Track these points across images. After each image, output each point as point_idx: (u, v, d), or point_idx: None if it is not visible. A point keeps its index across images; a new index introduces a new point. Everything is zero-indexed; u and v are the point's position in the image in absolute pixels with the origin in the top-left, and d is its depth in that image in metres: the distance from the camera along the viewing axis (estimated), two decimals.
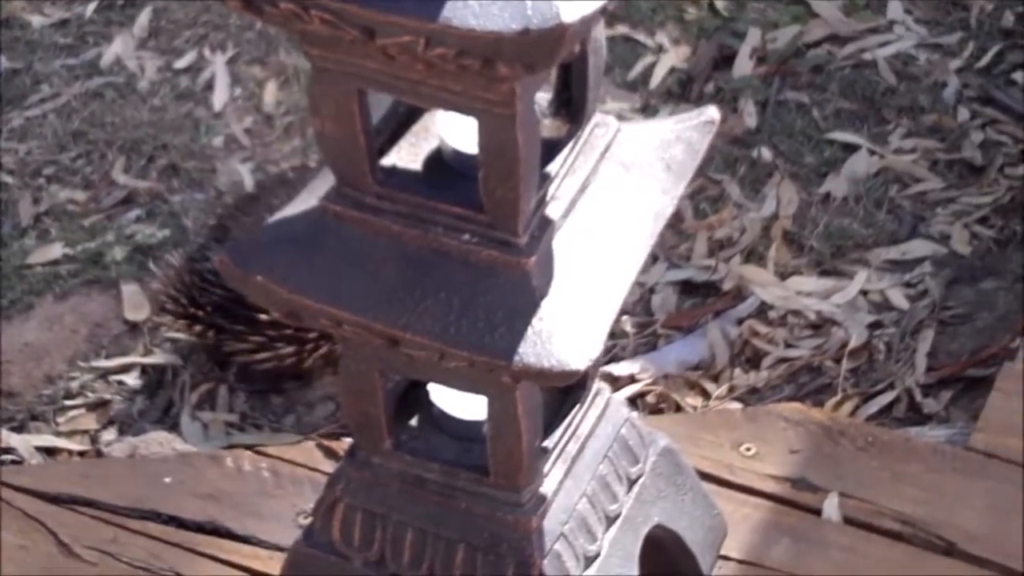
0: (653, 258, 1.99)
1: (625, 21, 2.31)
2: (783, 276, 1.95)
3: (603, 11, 1.00)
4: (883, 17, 2.30)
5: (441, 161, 1.19)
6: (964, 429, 1.65)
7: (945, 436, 1.65)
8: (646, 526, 1.40)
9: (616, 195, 1.20)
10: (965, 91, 2.18)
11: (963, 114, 2.15)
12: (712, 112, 1.25)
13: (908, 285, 1.92)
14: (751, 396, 1.80)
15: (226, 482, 1.62)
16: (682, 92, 2.23)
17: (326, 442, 1.65)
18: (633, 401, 1.80)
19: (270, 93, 2.26)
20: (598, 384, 1.37)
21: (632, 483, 1.39)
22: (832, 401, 1.75)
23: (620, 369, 1.82)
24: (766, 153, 2.11)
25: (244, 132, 2.21)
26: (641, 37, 2.30)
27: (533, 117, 1.08)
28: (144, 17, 2.37)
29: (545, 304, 1.13)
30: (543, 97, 1.21)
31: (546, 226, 1.15)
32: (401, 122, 1.21)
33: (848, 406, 1.75)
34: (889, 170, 2.08)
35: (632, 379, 1.81)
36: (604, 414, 1.37)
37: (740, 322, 1.89)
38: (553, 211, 1.16)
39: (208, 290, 1.78)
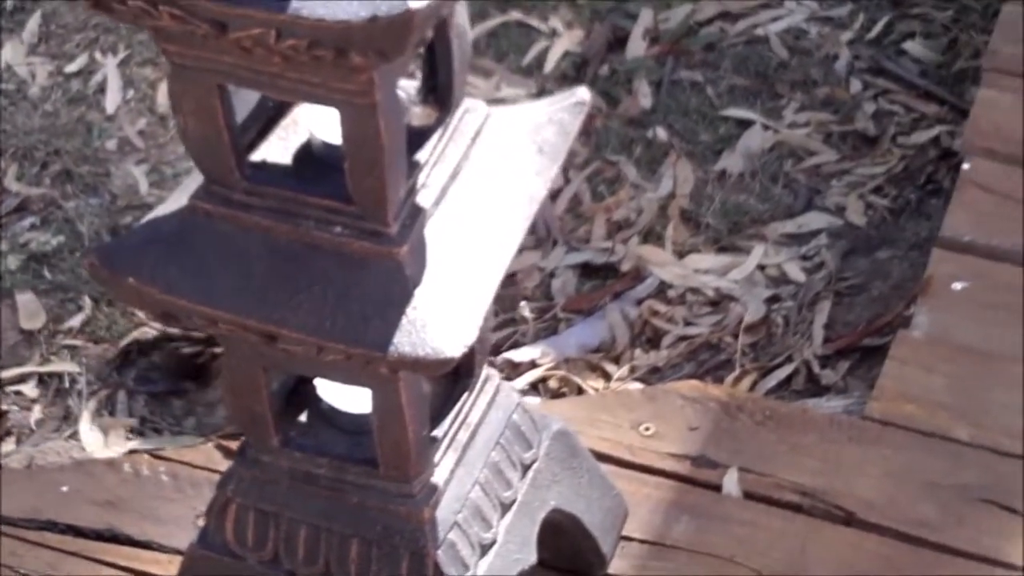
0: (552, 242, 1.99)
1: (518, 6, 2.31)
2: (681, 255, 1.95)
3: None
4: None
5: (311, 154, 1.18)
6: (861, 398, 1.66)
7: (842, 406, 1.66)
8: (543, 511, 1.40)
9: (488, 180, 1.20)
10: (856, 63, 2.19)
11: (855, 86, 2.16)
12: (582, 93, 1.25)
13: (805, 258, 1.93)
14: (652, 376, 1.80)
15: (124, 488, 1.60)
16: (577, 75, 2.22)
17: (225, 442, 1.63)
18: (535, 386, 1.80)
19: (163, 94, 2.23)
20: (487, 371, 1.36)
21: (526, 468, 1.38)
22: (731, 377, 1.75)
23: (521, 355, 1.82)
24: (661, 133, 2.11)
25: (138, 134, 2.19)
26: (534, 22, 2.29)
27: (395, 105, 1.07)
28: (33, 23, 2.35)
29: (419, 293, 1.12)
30: (411, 85, 1.20)
31: (417, 214, 1.14)
32: (271, 116, 1.20)
33: (747, 381, 1.75)
34: (784, 144, 2.09)
35: (533, 364, 1.81)
36: (494, 401, 1.36)
37: (639, 302, 1.89)
38: (424, 199, 1.16)
39: None
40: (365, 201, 1.11)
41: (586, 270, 1.97)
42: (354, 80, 1.03)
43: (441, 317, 1.12)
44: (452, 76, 1.17)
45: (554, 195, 2.06)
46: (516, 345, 1.85)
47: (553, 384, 1.80)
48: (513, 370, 1.81)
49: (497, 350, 1.84)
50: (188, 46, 1.04)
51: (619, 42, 2.26)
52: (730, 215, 2.01)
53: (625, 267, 1.94)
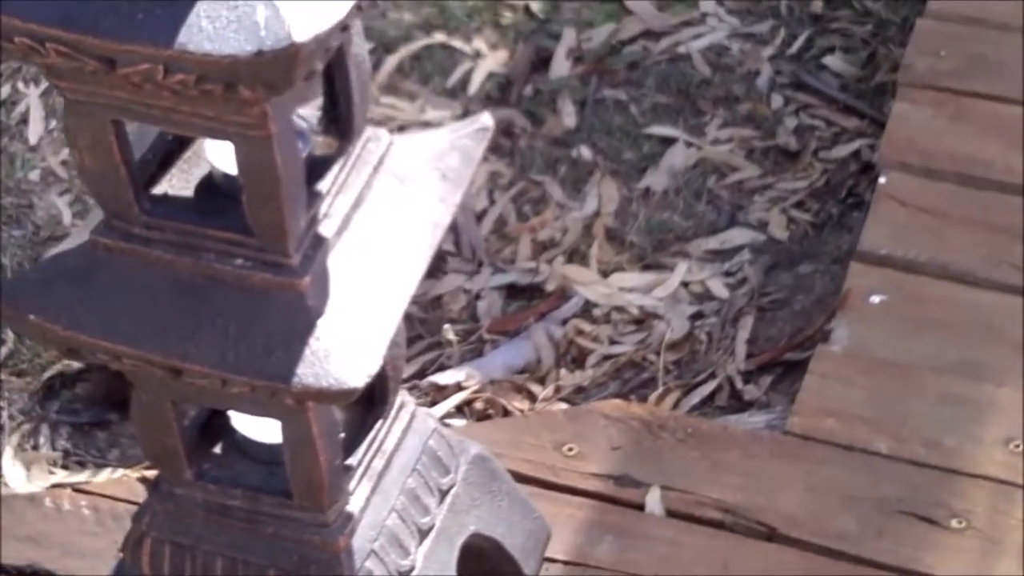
0: (478, 264, 1.99)
1: (441, 29, 2.31)
2: (606, 273, 1.96)
3: (343, 28, 1.00)
4: (696, 10, 2.32)
5: (213, 186, 1.18)
6: (783, 413, 1.66)
7: (764, 421, 1.67)
8: (462, 536, 1.40)
9: (392, 208, 1.20)
10: (778, 78, 2.20)
11: (776, 101, 2.17)
12: (485, 119, 1.25)
13: (728, 274, 1.94)
14: (577, 395, 1.80)
15: (46, 523, 1.59)
16: (501, 96, 2.23)
17: (147, 474, 1.63)
18: (460, 409, 1.80)
19: None
20: (402, 397, 1.37)
21: (444, 494, 1.38)
22: (654, 395, 1.76)
23: (446, 378, 1.82)
24: (586, 152, 2.12)
25: (61, 164, 2.17)
26: (458, 44, 2.30)
27: (290, 137, 1.08)
28: None
29: (321, 323, 1.12)
30: (312, 114, 1.20)
31: (319, 245, 1.15)
32: (173, 148, 1.20)
33: (671, 399, 1.76)
34: (707, 161, 2.10)
35: (459, 387, 1.81)
36: (410, 427, 1.37)
37: (565, 322, 1.89)
38: (326, 229, 1.16)
39: None
40: (265, 233, 1.11)
41: (512, 291, 1.97)
42: (247, 113, 1.03)
43: (344, 347, 1.12)
44: (352, 105, 1.17)
45: (479, 216, 2.06)
46: (442, 368, 1.85)
47: (479, 406, 1.80)
48: (438, 393, 1.81)
49: (422, 374, 1.84)
50: (79, 82, 1.04)
51: (543, 62, 2.27)
52: (654, 233, 2.01)
53: (550, 287, 1.94)
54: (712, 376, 1.78)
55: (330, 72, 1.16)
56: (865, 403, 1.62)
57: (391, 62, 2.26)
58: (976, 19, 1.96)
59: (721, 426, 1.64)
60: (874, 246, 1.76)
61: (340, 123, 1.18)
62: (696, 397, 1.76)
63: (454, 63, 2.28)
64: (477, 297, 1.96)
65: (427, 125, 2.17)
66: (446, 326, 1.87)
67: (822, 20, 2.28)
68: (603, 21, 2.31)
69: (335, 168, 1.18)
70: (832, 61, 2.22)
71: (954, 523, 1.51)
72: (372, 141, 1.21)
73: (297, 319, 1.12)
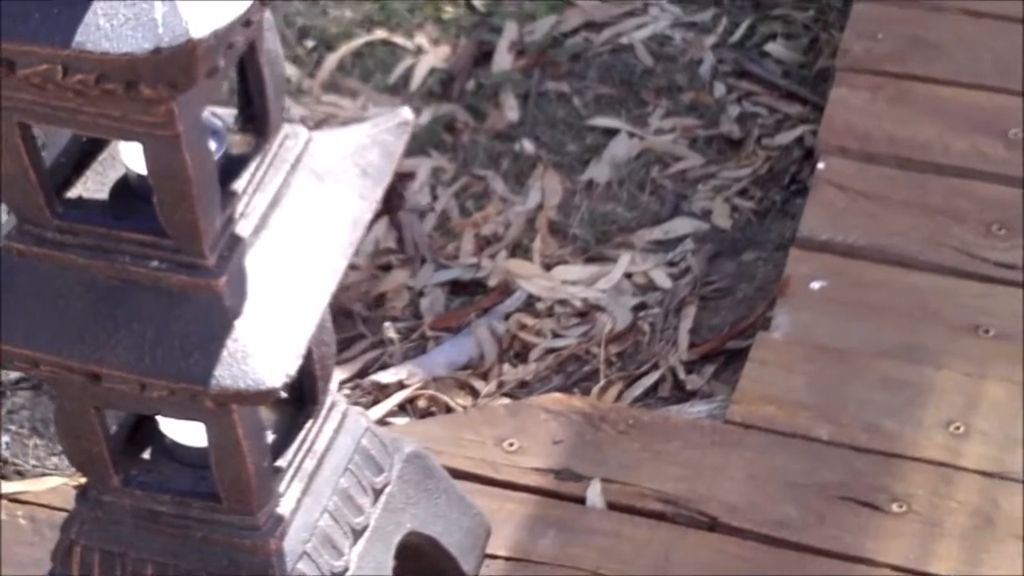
0: (421, 260, 1.98)
1: (383, 25, 2.30)
2: (549, 267, 1.95)
3: (245, 23, 0.99)
4: (638, 0, 2.31)
5: (128, 188, 1.16)
6: (724, 402, 1.66)
7: (706, 411, 1.66)
8: (398, 535, 1.38)
9: (311, 206, 1.18)
10: (720, 66, 2.20)
11: (719, 89, 2.16)
12: (405, 113, 1.24)
13: (671, 264, 1.93)
14: (520, 390, 1.79)
15: None
16: (443, 92, 2.22)
17: (84, 482, 1.61)
18: (403, 407, 1.79)
19: None
20: (333, 397, 1.35)
21: (378, 493, 1.37)
22: (597, 388, 1.75)
23: (388, 376, 1.81)
24: (528, 146, 2.11)
25: None
26: (400, 40, 2.28)
27: (200, 136, 1.06)
28: None
29: (239, 324, 1.11)
30: (229, 113, 1.19)
31: (236, 245, 1.13)
32: (87, 150, 1.18)
33: (613, 391, 1.75)
34: (650, 151, 2.09)
35: (401, 385, 1.80)
36: (342, 426, 1.35)
37: (508, 317, 1.88)
38: (243, 228, 1.14)
39: None
40: (179, 234, 1.10)
41: (455, 287, 1.96)
42: (153, 112, 1.02)
43: (262, 348, 1.10)
44: (267, 102, 1.16)
45: (422, 213, 2.05)
46: (384, 366, 1.84)
47: (421, 404, 1.79)
48: (381, 392, 1.79)
49: (365, 372, 1.83)
50: None
51: (485, 56, 2.26)
52: (597, 225, 2.00)
53: (493, 282, 1.93)
54: (655, 367, 1.77)
55: (243, 69, 1.15)
56: (805, 389, 1.61)
57: (332, 60, 2.25)
58: (912, 1, 1.95)
59: (662, 417, 1.64)
60: (814, 232, 1.75)
61: (256, 120, 1.17)
62: (639, 388, 1.75)
63: (396, 59, 2.27)
64: (420, 294, 1.95)
65: None
66: (387, 324, 1.86)
67: (764, 7, 2.28)
68: (545, 13, 2.30)
69: (252, 166, 1.16)
70: (774, 48, 2.21)
71: (895, 507, 1.51)
72: (290, 138, 1.20)
73: (214, 320, 1.11)
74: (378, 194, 1.21)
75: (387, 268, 1.98)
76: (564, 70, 2.22)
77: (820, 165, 1.81)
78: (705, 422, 1.62)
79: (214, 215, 1.11)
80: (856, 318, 1.67)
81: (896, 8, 1.95)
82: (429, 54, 2.27)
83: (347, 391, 1.81)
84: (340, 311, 1.91)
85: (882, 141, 1.82)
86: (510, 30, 2.28)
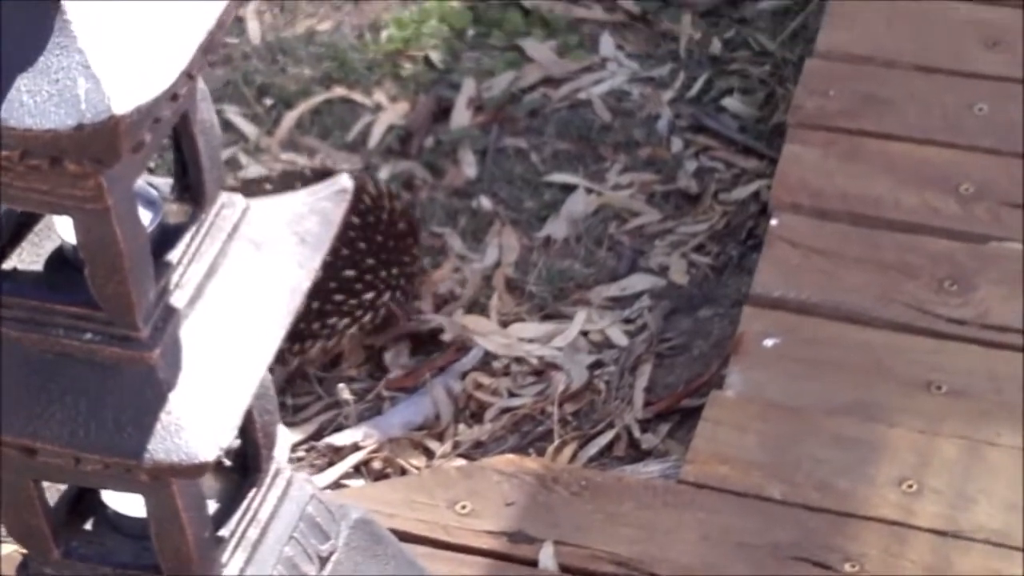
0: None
1: (341, 82, 2.30)
2: (506, 324, 1.94)
3: (173, 97, 0.98)
4: (596, 55, 2.32)
5: (63, 259, 1.15)
6: (678, 461, 1.65)
7: (659, 471, 1.65)
8: None
9: (248, 275, 1.18)
10: (678, 121, 2.20)
11: (676, 144, 2.17)
12: (344, 180, 1.24)
13: (627, 321, 1.93)
14: (476, 450, 1.79)
15: None
16: (402, 149, 2.22)
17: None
18: (358, 469, 1.78)
19: None
20: (277, 464, 1.34)
21: (324, 561, 1.36)
22: (551, 448, 1.74)
23: (343, 438, 1.80)
24: (486, 202, 2.11)
25: None
26: (358, 97, 2.28)
27: (130, 208, 1.06)
28: None
29: (173, 397, 1.10)
30: (165, 182, 1.19)
31: (170, 316, 1.12)
32: (23, 222, 1.18)
33: (568, 451, 1.74)
34: (607, 207, 2.09)
35: (356, 447, 1.79)
36: (287, 494, 1.34)
37: (464, 375, 1.88)
38: (178, 299, 1.14)
39: None
40: (111, 307, 1.09)
41: (413, 345, 1.96)
42: (81, 186, 1.01)
43: (195, 421, 1.09)
44: (202, 172, 1.15)
45: None
46: (339, 428, 1.83)
47: (376, 466, 1.78)
48: (336, 454, 1.79)
49: (319, 434, 1.82)
50: None
51: (444, 113, 2.26)
52: (555, 281, 2.00)
53: (450, 340, 1.93)
54: (610, 426, 1.77)
55: (178, 139, 1.14)
56: (758, 448, 1.60)
57: (291, 117, 2.25)
58: (864, 57, 1.96)
59: (615, 477, 1.63)
60: (767, 289, 1.75)
61: (192, 190, 1.17)
62: (594, 448, 1.75)
63: (354, 116, 2.27)
64: (378, 353, 1.95)
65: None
66: (340, 385, 1.85)
67: (720, 61, 2.29)
68: (503, 69, 2.31)
69: (187, 236, 1.16)
70: (731, 103, 2.22)
71: (847, 567, 1.50)
72: (227, 207, 1.19)
73: (148, 393, 1.10)
74: (316, 262, 1.21)
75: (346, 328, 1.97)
76: (522, 126, 2.23)
77: (773, 222, 1.81)
78: (658, 482, 1.61)
79: (147, 287, 1.10)
80: (809, 375, 1.67)
81: (848, 65, 1.96)
82: (388, 111, 2.27)
83: (301, 453, 1.80)
84: (296, 372, 1.91)
85: (835, 197, 1.82)
86: (468, 86, 2.28)
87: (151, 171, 1.43)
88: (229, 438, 1.10)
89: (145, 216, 1.14)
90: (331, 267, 1.81)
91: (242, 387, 1.14)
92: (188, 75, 1.00)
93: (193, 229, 1.16)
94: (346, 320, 1.85)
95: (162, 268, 1.13)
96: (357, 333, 1.88)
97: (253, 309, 1.17)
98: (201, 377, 1.12)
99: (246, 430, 1.28)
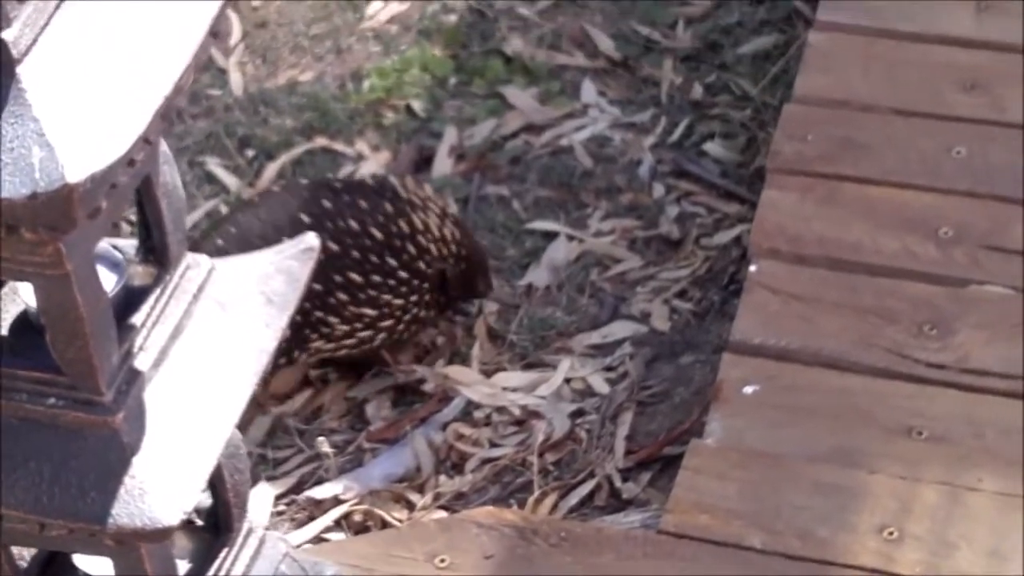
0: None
1: (323, 132, 2.30)
2: (488, 374, 1.94)
3: (128, 163, 0.98)
4: (577, 102, 2.32)
5: (28, 323, 1.15)
6: (659, 511, 1.64)
7: (640, 520, 1.64)
8: None
9: (213, 336, 1.18)
10: (659, 166, 2.20)
11: (658, 190, 2.17)
12: (311, 239, 1.24)
13: (609, 369, 1.92)
14: (457, 502, 1.78)
15: None
16: None
17: None
18: (339, 523, 1.77)
19: None
20: (249, 523, 1.34)
21: None
22: (532, 499, 1.73)
23: (323, 492, 1.79)
24: None
25: None
26: (340, 147, 2.28)
27: (91, 273, 1.06)
28: None
29: (136, 461, 1.10)
30: (130, 244, 1.19)
31: (134, 380, 1.12)
32: None
33: (549, 501, 1.73)
34: (589, 254, 2.09)
35: (337, 500, 1.78)
36: (259, 552, 1.34)
37: (445, 426, 1.87)
38: (142, 362, 1.13)
39: None
40: (74, 371, 1.09)
41: (396, 396, 1.95)
42: (41, 252, 1.01)
43: (159, 485, 1.09)
44: (165, 234, 1.15)
45: None
46: (320, 481, 1.82)
47: (357, 519, 1.77)
48: (316, 508, 1.78)
49: (300, 488, 1.81)
50: None
51: (425, 161, 2.26)
52: (537, 330, 2.00)
53: (432, 390, 1.92)
54: (591, 475, 1.76)
55: (141, 201, 1.14)
56: (739, 497, 1.60)
57: (272, 168, 2.25)
58: (841, 102, 1.96)
59: (595, 528, 1.62)
60: (746, 336, 1.74)
61: (156, 252, 1.17)
62: (575, 498, 1.74)
63: (336, 167, 2.27)
64: (363, 402, 1.94)
65: None
66: (320, 438, 1.85)
67: (702, 106, 2.29)
68: (485, 117, 2.31)
69: (152, 298, 1.16)
70: (712, 147, 2.22)
71: None
72: (192, 268, 1.19)
73: (111, 457, 1.10)
74: (283, 322, 1.21)
75: (325, 380, 1.97)
76: (504, 173, 2.23)
77: (752, 268, 1.81)
78: (638, 532, 1.60)
79: (110, 351, 1.10)
80: (789, 422, 1.66)
81: (826, 109, 1.96)
82: (369, 160, 2.27)
83: (282, 507, 1.79)
84: (276, 425, 1.90)
85: (813, 242, 1.82)
86: (450, 134, 2.28)
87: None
88: (194, 502, 1.10)
89: (109, 278, 1.14)
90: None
91: (208, 449, 1.13)
92: (145, 140, 1.00)
93: (158, 291, 1.16)
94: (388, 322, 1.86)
95: (126, 331, 1.13)
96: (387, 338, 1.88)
97: (219, 370, 1.17)
98: (165, 440, 1.12)
99: (217, 489, 1.28)
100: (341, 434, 1.89)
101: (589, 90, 2.34)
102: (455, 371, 1.94)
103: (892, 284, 1.77)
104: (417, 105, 2.33)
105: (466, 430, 1.86)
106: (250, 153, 2.27)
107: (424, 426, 1.87)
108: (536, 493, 1.73)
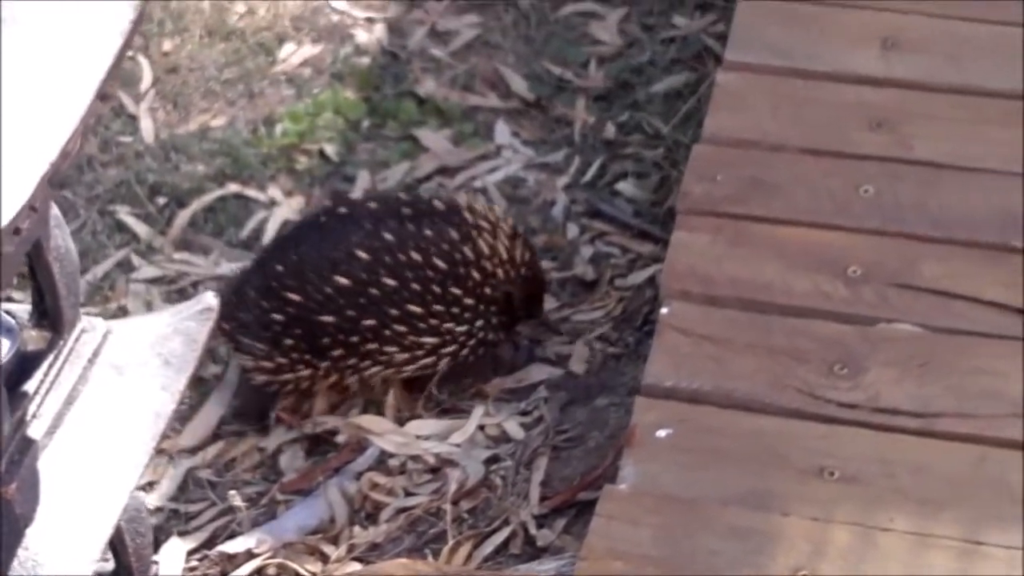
0: (273, 421, 1.95)
1: (235, 178, 2.28)
2: (402, 422, 1.92)
3: (13, 231, 0.97)
4: (491, 142, 2.32)
5: None
6: (573, 558, 1.63)
7: (555, 568, 1.64)
8: None
9: (110, 401, 1.16)
10: (573, 207, 2.20)
11: (572, 230, 2.17)
12: (208, 299, 1.22)
13: (524, 413, 1.91)
14: (372, 553, 1.76)
15: None
16: None
17: None
18: None
19: None
20: None
21: None
22: (446, 548, 1.72)
23: (236, 546, 1.77)
24: None
25: None
26: (252, 193, 2.27)
27: None
28: None
29: (31, 532, 1.08)
30: (23, 309, 1.17)
31: (27, 448, 1.10)
32: None
33: (464, 551, 1.72)
34: None
35: (250, 554, 1.76)
36: None
37: (359, 476, 1.85)
38: (35, 430, 1.12)
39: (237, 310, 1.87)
40: None
41: (311, 446, 1.93)
42: None
43: (54, 556, 1.07)
44: (58, 299, 1.14)
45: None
46: (233, 535, 1.80)
47: (271, 572, 1.75)
48: (229, 563, 1.76)
49: (212, 542, 1.79)
50: None
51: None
52: (451, 376, 1.99)
53: (346, 439, 1.91)
54: (506, 523, 1.75)
55: (33, 266, 1.13)
56: (652, 543, 1.59)
57: (184, 216, 2.23)
58: (750, 141, 1.97)
59: None
60: (659, 379, 1.74)
61: (49, 316, 1.15)
62: (490, 546, 1.73)
63: (248, 213, 2.25)
64: (277, 453, 1.92)
65: (221, 279, 2.13)
66: (231, 492, 1.82)
67: (615, 145, 2.29)
68: (398, 160, 2.30)
69: (45, 364, 1.14)
70: (625, 187, 2.23)
71: None
72: (87, 331, 1.18)
73: (4, 528, 1.08)
74: (181, 384, 1.19)
75: (239, 432, 1.95)
76: None
77: (664, 310, 1.81)
78: None
79: (2, 420, 1.08)
80: (703, 466, 1.66)
81: (735, 149, 1.96)
82: (283, 206, 2.26)
83: (194, 563, 1.77)
84: (188, 478, 1.88)
85: (724, 283, 1.82)
86: (363, 178, 2.27)
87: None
88: (90, 572, 1.08)
89: (2, 345, 1.12)
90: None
91: (105, 516, 1.12)
92: (31, 208, 0.98)
93: (52, 356, 1.15)
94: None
95: (18, 399, 1.11)
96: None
97: (115, 435, 1.15)
98: (61, 510, 1.10)
99: (118, 553, 1.26)
100: (254, 486, 1.87)
101: (503, 131, 2.33)
102: (368, 420, 1.93)
103: (803, 324, 1.78)
104: (330, 149, 2.32)
105: (380, 479, 1.84)
106: (161, 200, 2.25)
107: (338, 476, 1.85)
108: (451, 542, 1.72)
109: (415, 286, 1.83)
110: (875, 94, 2.02)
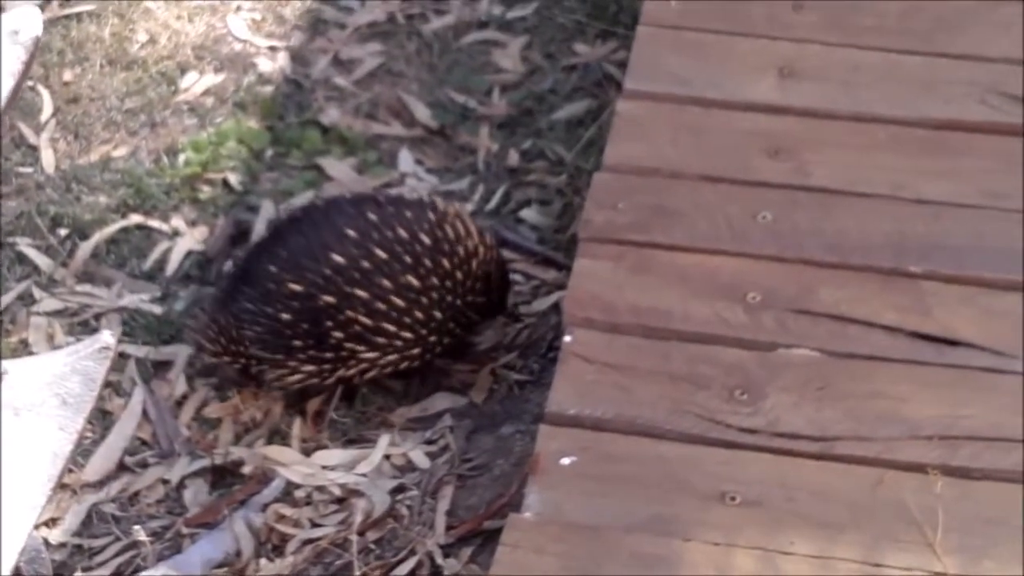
0: (176, 454, 1.94)
1: (138, 209, 2.27)
2: (308, 452, 1.92)
3: None
4: (396, 170, 2.33)
5: None
6: None
7: None
8: None
9: (6, 442, 1.15)
10: None
11: None
12: (106, 338, 1.22)
13: (430, 442, 1.92)
14: None
15: None
16: (201, 274, 2.19)
17: None
18: None
19: None
20: None
21: None
22: None
23: None
24: None
25: None
26: (155, 223, 2.25)
27: None
28: None
29: None
30: None
31: None
32: None
33: None
34: None
35: None
36: None
37: (265, 507, 1.85)
38: None
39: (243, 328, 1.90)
40: None
41: (215, 477, 1.92)
42: None
43: None
44: None
45: (179, 402, 2.01)
46: (137, 570, 1.79)
47: None
48: None
49: None
50: None
51: (243, 236, 2.24)
52: (357, 406, 1.99)
53: (251, 471, 1.90)
54: (412, 553, 1.75)
55: None
56: (558, 571, 1.59)
57: (86, 248, 2.21)
58: (651, 169, 1.98)
59: None
60: (562, 406, 1.75)
61: None
62: None
63: (151, 244, 2.24)
64: (180, 487, 1.91)
65: (124, 311, 2.12)
66: (135, 527, 1.81)
67: (519, 172, 2.31)
68: (302, 188, 2.30)
69: None
70: (529, 214, 2.24)
71: None
72: None
73: None
74: (79, 423, 1.19)
75: (144, 465, 1.94)
76: None
77: (567, 338, 1.82)
78: None
79: None
80: (606, 493, 1.67)
81: (636, 177, 1.98)
82: (186, 236, 2.25)
83: None
84: (92, 513, 1.87)
85: (626, 311, 1.83)
86: (267, 208, 2.27)
87: None
88: None
89: None
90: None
91: (2, 559, 1.11)
92: None
93: None
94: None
95: None
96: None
97: (12, 477, 1.14)
98: None
99: None
100: (159, 520, 1.86)
101: (407, 159, 2.34)
102: (274, 451, 1.92)
103: (703, 350, 1.80)
104: (234, 178, 2.32)
105: (287, 511, 1.84)
106: (63, 232, 2.23)
107: (244, 508, 1.85)
108: (357, 574, 1.72)
109: (407, 259, 1.89)
110: (772, 122, 2.05)
